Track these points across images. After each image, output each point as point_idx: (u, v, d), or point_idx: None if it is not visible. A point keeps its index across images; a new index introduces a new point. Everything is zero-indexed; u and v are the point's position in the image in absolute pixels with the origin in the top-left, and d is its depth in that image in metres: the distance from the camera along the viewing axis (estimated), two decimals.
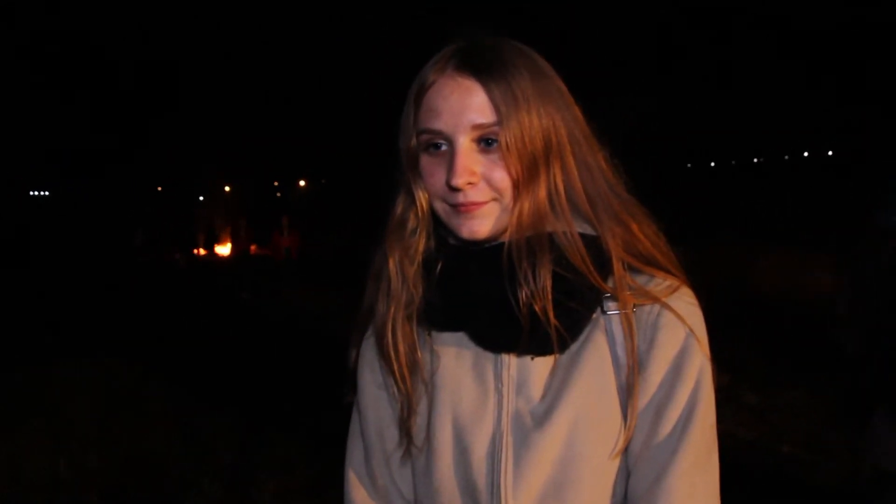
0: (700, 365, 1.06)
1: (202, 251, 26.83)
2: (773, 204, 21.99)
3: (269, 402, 6.25)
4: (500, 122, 1.03)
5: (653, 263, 1.10)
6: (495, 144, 1.05)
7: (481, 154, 1.06)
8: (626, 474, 1.08)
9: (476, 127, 1.04)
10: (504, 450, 1.07)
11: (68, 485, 4.86)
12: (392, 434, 1.19)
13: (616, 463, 1.07)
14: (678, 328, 1.06)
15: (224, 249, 26.90)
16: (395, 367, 1.14)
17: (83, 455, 5.26)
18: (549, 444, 1.04)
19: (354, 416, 1.26)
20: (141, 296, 12.83)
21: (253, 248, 13.11)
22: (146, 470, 5.03)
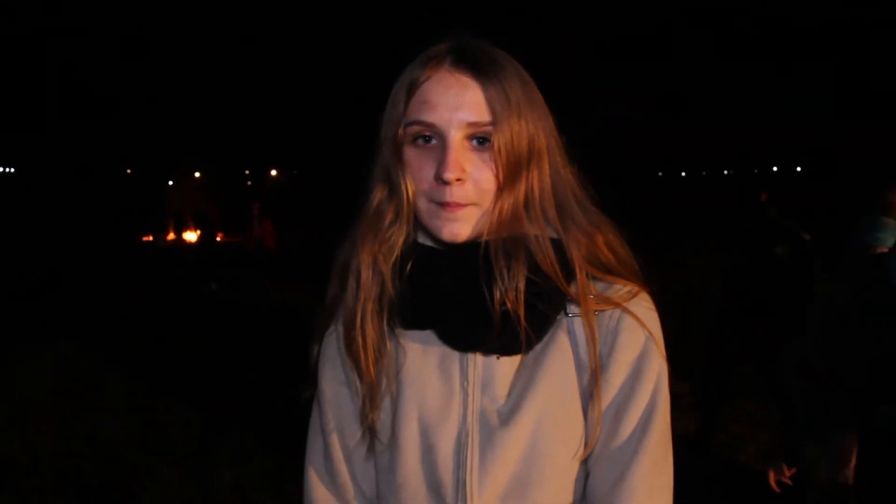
0: (659, 368, 1.09)
1: (171, 236, 26.59)
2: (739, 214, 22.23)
3: (229, 393, 6.21)
4: (493, 123, 1.05)
5: (613, 272, 1.13)
6: (487, 144, 1.06)
7: (472, 152, 1.07)
8: (585, 473, 1.11)
9: (471, 125, 1.05)
10: (470, 447, 1.08)
11: (23, 466, 4.80)
12: (353, 430, 1.18)
13: (578, 462, 1.09)
14: (638, 332, 1.09)
15: (192, 235, 26.68)
16: (362, 361, 1.13)
17: (39, 437, 5.20)
18: (515, 442, 1.06)
19: (315, 413, 1.25)
20: (106, 281, 12.66)
21: (220, 235, 12.65)
22: (103, 455, 4.98)
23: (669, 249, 11.88)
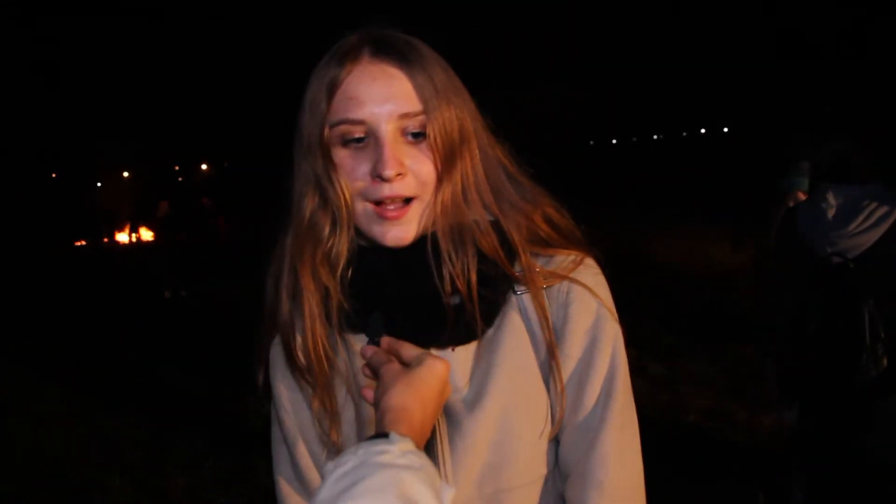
0: (614, 333, 1.11)
1: (106, 239, 25.99)
2: (671, 179, 22.65)
3: (175, 397, 6.10)
4: (425, 112, 1.03)
5: (555, 244, 1.13)
6: (421, 136, 1.04)
7: (407, 145, 1.04)
8: (555, 444, 1.11)
9: (403, 116, 1.02)
10: (439, 439, 1.07)
11: None
12: (315, 435, 1.16)
13: (547, 437, 1.09)
14: (589, 300, 1.10)
15: (124, 237, 26.12)
16: (311, 372, 1.11)
17: None
18: (484, 428, 1.06)
19: (275, 424, 1.22)
20: (38, 290, 12.30)
21: (182, 235, 11.66)
22: (47, 471, 4.85)
23: (610, 220, 12.04)
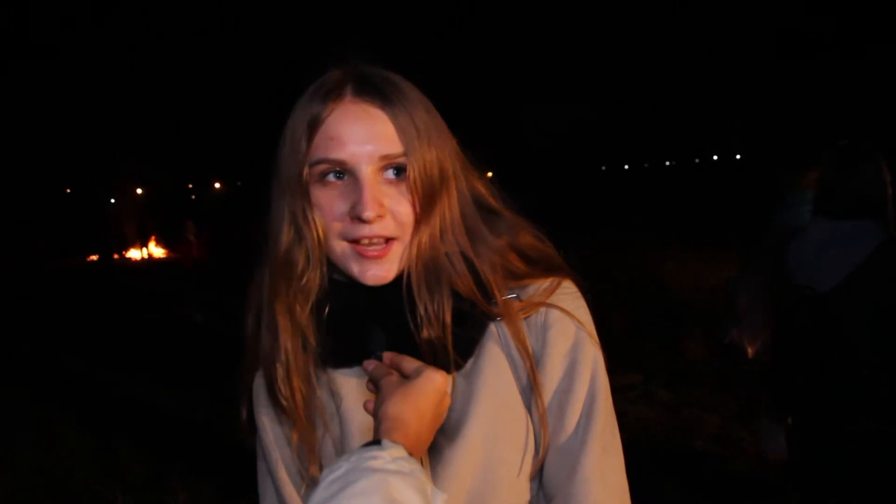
0: (593, 355, 1.09)
1: (127, 255, 26.14)
2: (681, 205, 22.63)
3: (178, 414, 6.11)
4: (406, 153, 1.02)
5: (531, 275, 1.12)
6: (401, 176, 1.04)
7: (387, 186, 1.04)
8: (538, 470, 1.10)
9: (384, 157, 1.02)
10: (422, 464, 1.06)
11: None
12: (295, 469, 1.15)
13: (531, 464, 1.08)
14: (567, 324, 1.09)
15: (136, 253, 26.26)
16: (292, 407, 1.10)
17: None
18: (466, 457, 1.04)
19: (260, 456, 1.21)
20: (46, 305, 12.35)
21: (197, 253, 11.32)
22: (52, 484, 4.86)
23: (618, 243, 12.01)
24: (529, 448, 1.07)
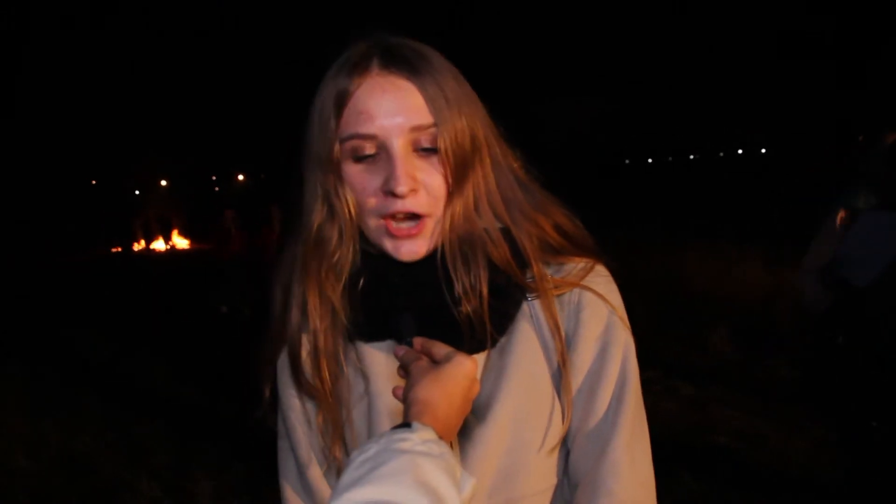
0: (625, 339, 1.09)
1: (151, 246, 26.38)
2: (704, 199, 22.46)
3: (204, 401, 6.16)
4: (436, 124, 1.01)
5: (566, 252, 1.12)
6: (432, 150, 1.02)
7: (419, 159, 1.03)
8: (565, 452, 1.10)
9: (414, 129, 1.01)
10: (451, 447, 1.06)
11: None
12: (320, 449, 1.15)
13: (558, 446, 1.09)
14: (600, 307, 1.09)
15: (160, 244, 26.49)
16: (318, 384, 1.11)
17: (10, 455, 5.11)
18: (495, 436, 1.04)
19: (282, 436, 1.21)
20: (73, 294, 12.49)
21: (237, 245, 10.89)
22: (78, 470, 4.92)
23: (640, 238, 11.95)
24: (556, 429, 1.07)
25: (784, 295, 7.35)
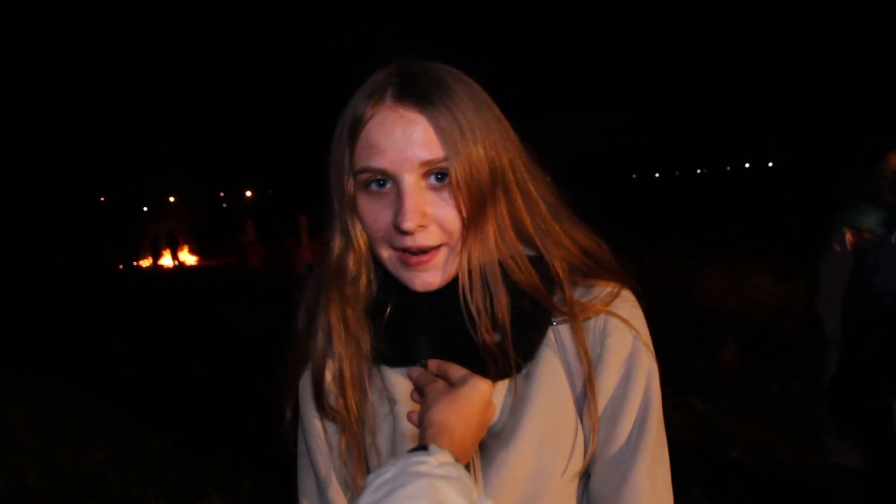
0: (649, 365, 1.08)
1: (152, 261, 26.49)
2: (713, 213, 22.44)
3: (214, 418, 6.16)
4: (447, 158, 0.99)
5: (594, 275, 1.11)
6: (445, 181, 1.01)
7: (430, 192, 1.01)
8: (585, 478, 1.10)
9: (424, 164, 0.99)
10: (473, 472, 1.05)
11: (6, 501, 4.71)
12: (342, 474, 1.15)
13: (581, 472, 1.08)
14: (625, 333, 1.08)
15: (167, 261, 26.59)
16: (342, 409, 1.11)
17: (21, 471, 5.12)
18: (518, 461, 1.04)
19: (302, 455, 1.20)
20: (85, 310, 12.52)
21: (255, 260, 10.49)
22: (89, 487, 4.91)
23: (652, 252, 11.93)
24: (578, 455, 1.07)
25: (794, 309, 7.32)
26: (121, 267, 25.99)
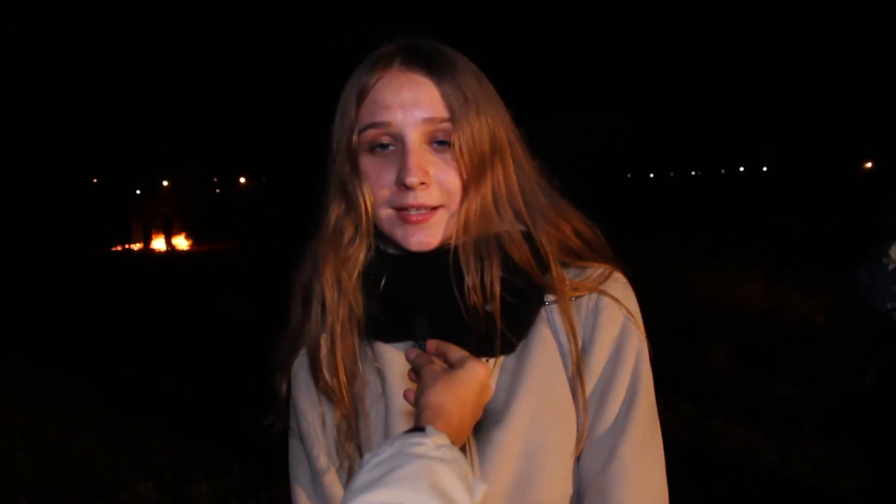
0: (638, 346, 1.09)
1: (151, 245, 26.38)
2: (706, 216, 22.46)
3: (204, 404, 6.16)
4: (452, 121, 1.03)
5: (585, 257, 1.13)
6: (447, 145, 1.04)
7: (433, 154, 1.04)
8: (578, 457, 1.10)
9: (427, 121, 1.03)
10: (468, 450, 1.06)
11: None
12: (334, 449, 1.15)
13: (576, 452, 1.08)
14: (616, 312, 1.09)
15: (160, 244, 26.49)
16: (335, 384, 1.11)
17: (9, 454, 5.11)
18: (512, 440, 1.04)
19: (294, 437, 1.20)
20: (77, 293, 12.47)
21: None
22: (78, 470, 4.91)
23: (645, 254, 11.94)
24: (570, 434, 1.07)
25: (784, 314, 7.36)
26: (114, 249, 25.87)
